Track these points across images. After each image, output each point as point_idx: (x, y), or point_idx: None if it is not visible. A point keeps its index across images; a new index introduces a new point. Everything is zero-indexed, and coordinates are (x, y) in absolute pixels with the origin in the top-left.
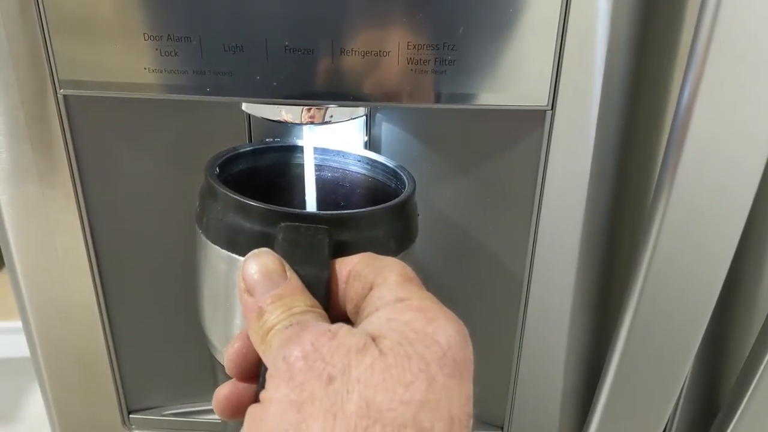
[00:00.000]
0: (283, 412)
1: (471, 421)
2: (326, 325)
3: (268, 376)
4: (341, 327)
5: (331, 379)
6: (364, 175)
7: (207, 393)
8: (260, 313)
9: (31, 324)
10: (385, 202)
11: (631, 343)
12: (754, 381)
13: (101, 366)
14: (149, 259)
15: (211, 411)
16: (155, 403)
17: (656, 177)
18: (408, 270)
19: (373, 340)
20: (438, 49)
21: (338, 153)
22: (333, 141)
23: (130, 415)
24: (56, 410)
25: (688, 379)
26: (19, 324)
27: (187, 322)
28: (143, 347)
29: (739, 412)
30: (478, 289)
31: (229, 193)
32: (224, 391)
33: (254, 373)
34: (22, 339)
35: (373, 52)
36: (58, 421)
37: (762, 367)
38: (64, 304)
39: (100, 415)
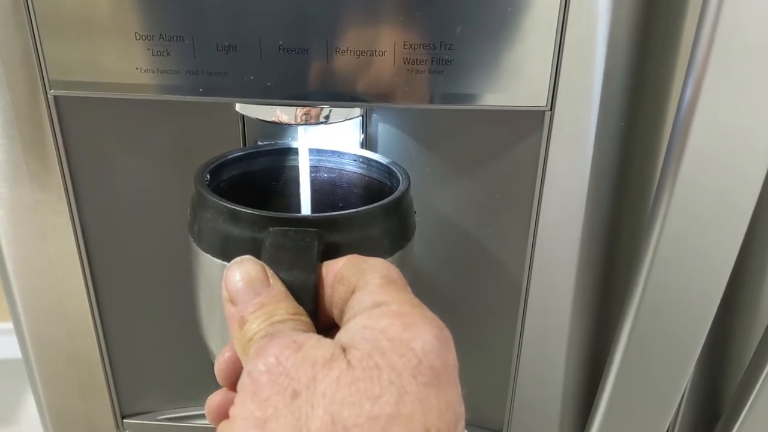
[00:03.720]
0: (247, 429)
1: (459, 426)
2: (293, 336)
3: (237, 390)
4: (309, 338)
5: (295, 395)
6: (361, 174)
7: (201, 397)
8: (242, 322)
9: (23, 328)
10: (381, 201)
11: (632, 346)
12: (757, 386)
13: (95, 370)
14: (142, 262)
15: (204, 415)
16: (149, 408)
17: (657, 178)
18: (392, 271)
19: (344, 350)
20: (435, 48)
21: (333, 153)
22: (328, 141)
23: (124, 420)
24: (50, 415)
25: (689, 383)
26: None
27: (181, 326)
28: (137, 351)
29: (741, 416)
30: (478, 292)
31: (217, 200)
32: (216, 399)
33: None
34: None
35: (368, 52)
36: (52, 426)
37: (765, 371)
38: (57, 307)
39: (95, 419)
